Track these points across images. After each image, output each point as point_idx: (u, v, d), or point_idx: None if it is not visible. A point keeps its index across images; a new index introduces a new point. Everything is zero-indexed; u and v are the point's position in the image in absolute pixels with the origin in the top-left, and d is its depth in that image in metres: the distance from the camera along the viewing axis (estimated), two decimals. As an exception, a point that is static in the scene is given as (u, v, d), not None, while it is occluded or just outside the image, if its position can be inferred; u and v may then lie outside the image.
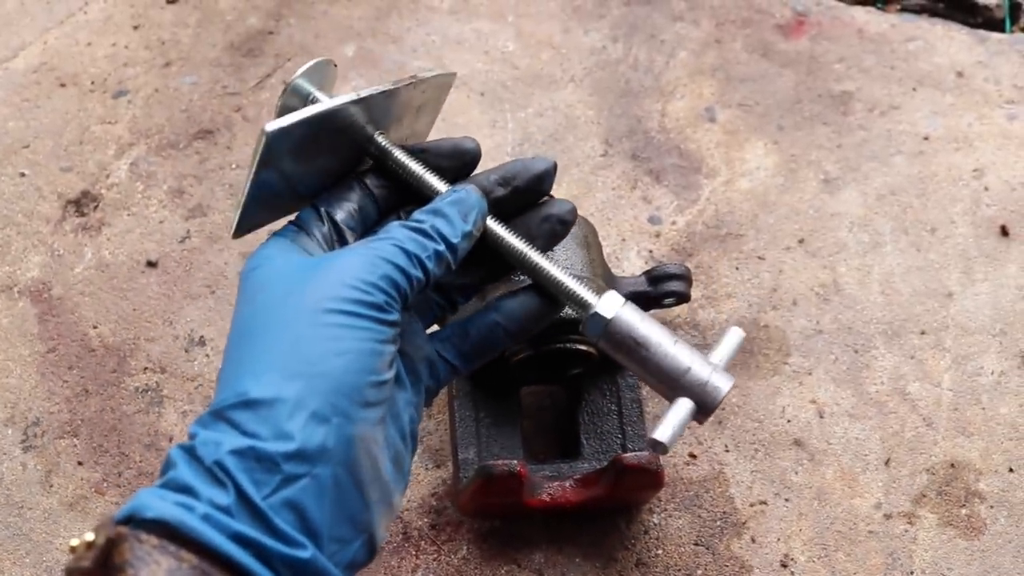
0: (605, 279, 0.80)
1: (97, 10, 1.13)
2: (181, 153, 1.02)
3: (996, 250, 0.95)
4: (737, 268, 0.95)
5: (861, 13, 1.12)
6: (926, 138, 1.02)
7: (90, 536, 0.46)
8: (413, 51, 1.09)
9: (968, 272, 0.94)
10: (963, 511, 0.83)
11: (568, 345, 0.78)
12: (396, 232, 0.56)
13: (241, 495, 0.46)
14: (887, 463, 0.85)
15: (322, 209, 0.60)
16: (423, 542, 0.82)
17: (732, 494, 0.84)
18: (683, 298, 0.86)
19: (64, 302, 0.94)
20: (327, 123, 0.58)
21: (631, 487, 0.77)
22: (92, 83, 1.08)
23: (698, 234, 0.97)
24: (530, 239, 0.61)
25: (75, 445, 0.86)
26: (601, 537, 0.82)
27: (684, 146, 1.02)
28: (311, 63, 0.62)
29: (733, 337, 0.63)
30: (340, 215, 0.60)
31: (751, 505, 0.83)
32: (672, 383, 0.58)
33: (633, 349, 0.59)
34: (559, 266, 0.61)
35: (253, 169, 0.57)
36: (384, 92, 0.60)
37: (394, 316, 0.53)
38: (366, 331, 0.51)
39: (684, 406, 0.58)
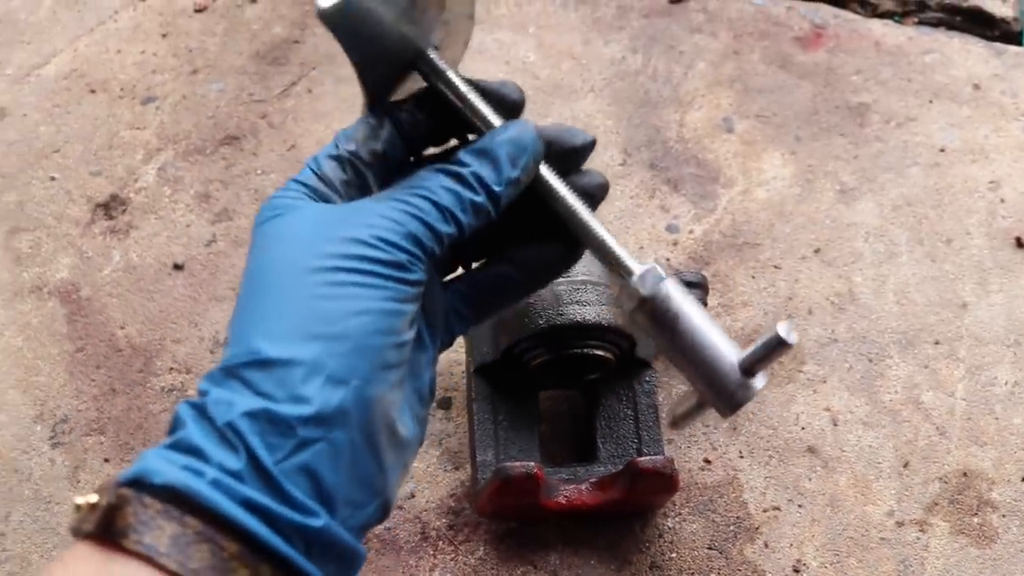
0: (622, 286, 0.81)
1: (127, 18, 1.16)
2: (207, 159, 1.04)
3: (1011, 261, 0.96)
4: (753, 277, 0.96)
5: (879, 26, 1.13)
6: (942, 150, 1.03)
7: (94, 498, 0.44)
8: (436, 60, 1.11)
9: (983, 283, 0.95)
10: (975, 520, 0.84)
11: (586, 350, 0.79)
12: (431, 180, 0.52)
13: (253, 459, 0.44)
14: (900, 471, 0.86)
15: (343, 150, 0.55)
16: (441, 542, 0.84)
17: (746, 499, 0.85)
18: (699, 306, 0.87)
19: (92, 303, 0.96)
20: (366, 10, 0.53)
21: (646, 491, 0.78)
22: (121, 89, 1.10)
23: (715, 243, 0.98)
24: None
25: (102, 442, 0.88)
26: (616, 540, 0.83)
27: (702, 156, 1.04)
28: None
29: (777, 331, 0.54)
30: (363, 155, 0.55)
31: (764, 511, 0.84)
32: (704, 371, 0.54)
33: (668, 326, 0.54)
34: (606, 227, 0.56)
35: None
36: None
37: (417, 275, 0.50)
38: (387, 290, 0.49)
39: (699, 402, 0.54)
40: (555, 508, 0.79)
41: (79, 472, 0.87)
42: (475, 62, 1.10)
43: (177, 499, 0.43)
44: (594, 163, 1.03)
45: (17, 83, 1.11)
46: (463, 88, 0.56)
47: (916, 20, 1.15)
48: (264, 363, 0.47)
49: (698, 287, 0.86)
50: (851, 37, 1.12)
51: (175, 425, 0.47)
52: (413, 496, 0.86)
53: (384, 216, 0.50)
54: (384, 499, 0.50)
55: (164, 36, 1.14)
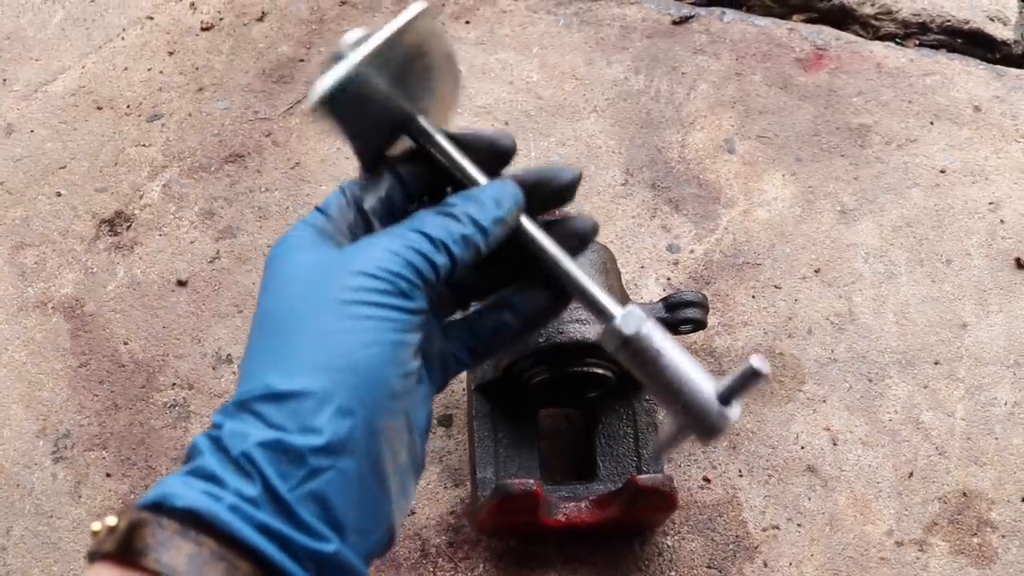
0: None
1: (134, 36, 1.17)
2: (212, 176, 1.05)
3: (1011, 282, 0.96)
4: (753, 296, 0.96)
5: (880, 48, 1.14)
6: (943, 171, 1.04)
7: (112, 520, 0.47)
8: (439, 80, 1.12)
9: (983, 303, 0.95)
10: (975, 540, 0.84)
11: (586, 369, 0.79)
12: (421, 218, 0.56)
13: (267, 487, 0.47)
14: (900, 491, 0.86)
15: (348, 195, 0.59)
16: (440, 559, 0.84)
17: (745, 518, 0.85)
18: (699, 325, 0.88)
19: (96, 318, 0.96)
20: (360, 90, 0.57)
21: (645, 509, 0.78)
22: (128, 107, 1.11)
23: (715, 263, 0.98)
24: None
25: (104, 457, 0.89)
26: (615, 558, 0.83)
27: (703, 176, 1.04)
28: (357, 33, 0.59)
29: (751, 363, 0.59)
30: (368, 202, 0.59)
31: (764, 530, 0.84)
32: (682, 404, 0.58)
33: (648, 365, 0.58)
34: (586, 273, 0.60)
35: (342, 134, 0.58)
36: (382, 44, 0.58)
37: (419, 303, 0.53)
38: (392, 322, 0.51)
39: (679, 429, 0.59)
40: (554, 526, 0.79)
41: (81, 487, 0.87)
42: (479, 82, 1.11)
43: (194, 521, 0.46)
44: (597, 183, 1.04)
45: (24, 99, 1.12)
46: (449, 149, 0.60)
47: (917, 42, 1.16)
48: (276, 396, 0.49)
49: (698, 306, 0.87)
50: (852, 59, 1.13)
51: (192, 455, 0.49)
52: (413, 513, 0.86)
53: (384, 248, 0.53)
54: (389, 526, 0.52)
55: (171, 54, 1.15)
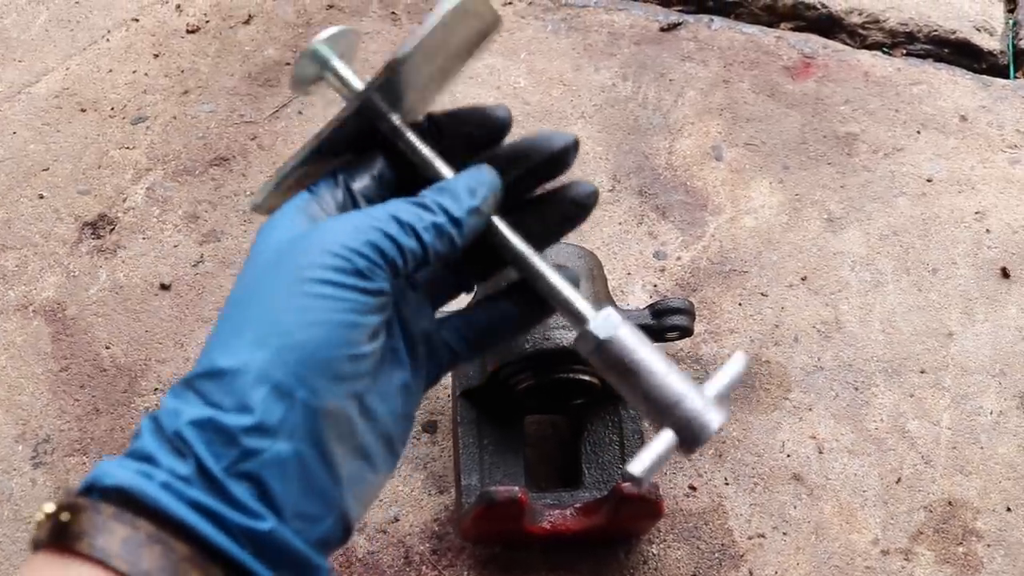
0: (609, 311, 0.81)
1: (119, 38, 1.16)
2: (197, 179, 1.05)
3: (997, 292, 0.96)
4: (740, 304, 0.96)
5: (867, 56, 1.14)
6: (929, 180, 1.04)
7: (50, 508, 0.45)
8: (426, 85, 1.12)
9: (969, 313, 0.95)
10: (960, 549, 0.83)
11: (572, 375, 0.79)
12: (395, 202, 0.53)
13: (200, 466, 0.45)
14: (885, 499, 0.86)
15: (340, 176, 0.56)
16: (424, 566, 0.83)
17: (731, 526, 0.85)
18: (686, 332, 0.87)
19: (78, 322, 0.95)
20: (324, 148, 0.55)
21: (630, 516, 0.78)
22: (112, 109, 1.10)
23: (702, 270, 0.98)
24: (543, 222, 0.57)
25: (84, 463, 0.88)
26: (600, 566, 0.83)
27: (690, 183, 1.04)
28: (333, 30, 0.57)
29: (734, 365, 0.57)
30: (358, 184, 0.56)
31: (749, 538, 0.84)
32: (662, 411, 0.54)
33: (625, 371, 0.54)
34: (560, 275, 0.56)
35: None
36: (381, 80, 0.54)
37: (379, 284, 0.50)
38: (345, 301, 0.49)
39: (665, 439, 0.53)
40: (539, 533, 0.78)
41: (60, 493, 0.86)
42: (466, 87, 1.11)
43: (129, 503, 0.44)
44: (583, 188, 1.03)
45: (7, 101, 1.11)
46: (419, 146, 0.57)
47: (904, 51, 1.16)
48: (215, 373, 0.47)
49: (684, 313, 0.87)
50: (840, 67, 1.13)
51: (134, 436, 0.48)
52: (397, 520, 0.85)
53: (349, 225, 0.51)
54: (341, 514, 0.50)
55: (156, 56, 1.14)
